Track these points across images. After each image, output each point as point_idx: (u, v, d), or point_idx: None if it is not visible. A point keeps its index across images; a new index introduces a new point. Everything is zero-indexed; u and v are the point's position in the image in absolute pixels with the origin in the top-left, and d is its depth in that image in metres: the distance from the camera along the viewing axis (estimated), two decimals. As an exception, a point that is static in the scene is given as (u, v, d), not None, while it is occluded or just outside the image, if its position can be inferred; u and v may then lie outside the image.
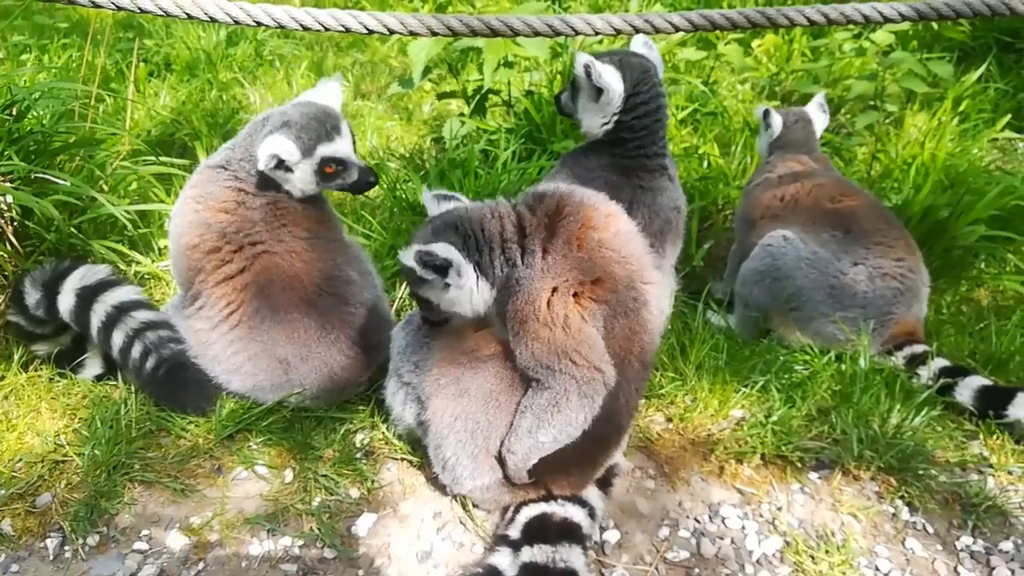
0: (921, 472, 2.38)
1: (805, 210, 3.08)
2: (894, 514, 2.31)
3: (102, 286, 2.47)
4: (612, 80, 2.56)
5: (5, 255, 2.57)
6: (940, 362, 2.75)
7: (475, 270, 1.98)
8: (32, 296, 2.46)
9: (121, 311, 2.46)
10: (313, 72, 5.48)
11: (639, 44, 2.71)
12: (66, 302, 2.44)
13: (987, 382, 2.65)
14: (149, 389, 2.46)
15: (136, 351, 2.43)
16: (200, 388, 2.44)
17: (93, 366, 2.61)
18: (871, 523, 2.28)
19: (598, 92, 2.58)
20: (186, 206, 2.45)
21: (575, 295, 1.94)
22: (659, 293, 2.13)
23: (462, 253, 1.95)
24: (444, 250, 1.93)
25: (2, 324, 2.65)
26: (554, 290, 1.93)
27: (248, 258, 2.41)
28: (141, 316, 2.48)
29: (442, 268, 1.94)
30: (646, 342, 2.04)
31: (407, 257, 1.95)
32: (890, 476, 2.40)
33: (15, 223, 2.66)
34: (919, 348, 2.84)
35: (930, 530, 2.27)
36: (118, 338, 2.44)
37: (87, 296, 2.44)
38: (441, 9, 6.89)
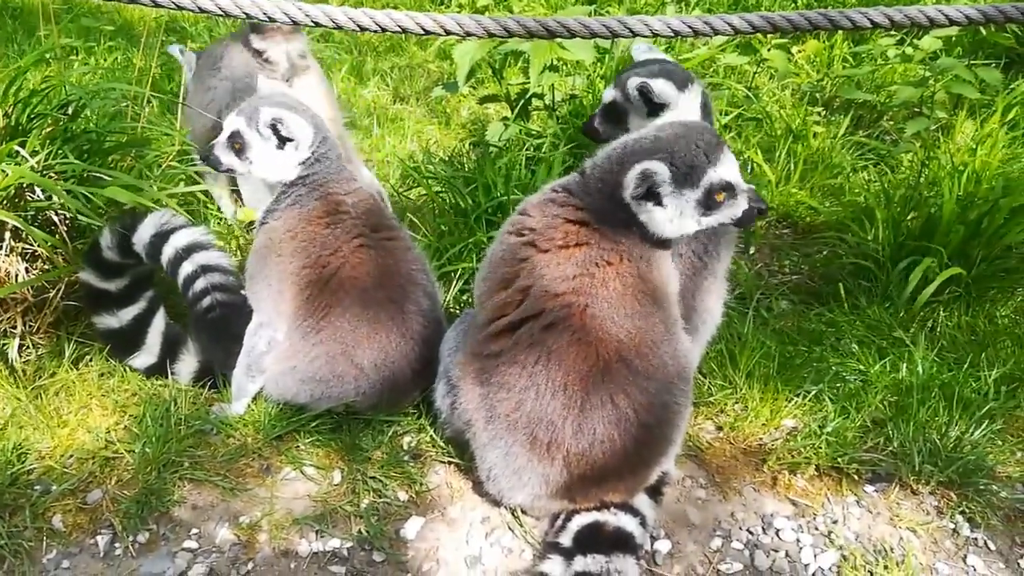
0: (983, 487, 2.31)
1: None
2: (955, 530, 2.25)
3: (177, 229, 2.54)
4: (667, 90, 2.47)
5: (57, 248, 2.59)
6: None
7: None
8: (107, 238, 2.51)
9: (191, 250, 2.53)
10: (353, 76, 5.49)
11: (642, 50, 2.67)
12: (143, 237, 2.50)
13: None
14: (197, 326, 2.58)
15: (199, 285, 2.53)
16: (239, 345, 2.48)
17: (147, 355, 2.60)
18: (931, 539, 2.22)
19: (657, 107, 2.49)
20: (288, 244, 2.46)
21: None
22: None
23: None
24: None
25: (54, 320, 2.67)
26: None
27: (344, 255, 2.42)
28: (212, 256, 2.56)
29: None
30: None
31: None
32: (950, 491, 2.33)
33: (67, 220, 2.69)
34: None
35: (992, 547, 2.20)
36: (188, 267, 2.52)
37: (164, 234, 2.51)
38: (479, 13, 6.91)
